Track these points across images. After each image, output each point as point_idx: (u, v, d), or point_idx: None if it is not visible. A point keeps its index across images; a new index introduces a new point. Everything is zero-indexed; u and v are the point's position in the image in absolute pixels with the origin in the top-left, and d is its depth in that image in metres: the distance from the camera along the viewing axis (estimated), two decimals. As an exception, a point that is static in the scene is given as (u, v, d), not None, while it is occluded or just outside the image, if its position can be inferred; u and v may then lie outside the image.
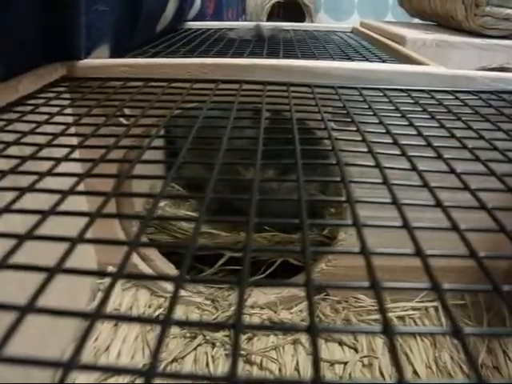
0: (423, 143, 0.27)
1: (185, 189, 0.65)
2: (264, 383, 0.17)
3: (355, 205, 0.19)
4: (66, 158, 0.24)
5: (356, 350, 0.41)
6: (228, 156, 0.24)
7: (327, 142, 0.26)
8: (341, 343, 0.42)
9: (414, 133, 0.28)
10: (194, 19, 0.89)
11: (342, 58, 0.54)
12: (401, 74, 0.39)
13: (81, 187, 0.21)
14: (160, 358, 0.33)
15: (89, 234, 0.17)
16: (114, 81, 0.38)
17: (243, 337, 0.41)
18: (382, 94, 0.36)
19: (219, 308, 0.45)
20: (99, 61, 0.41)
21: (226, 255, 0.49)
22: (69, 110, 0.32)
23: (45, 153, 0.24)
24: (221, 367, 0.39)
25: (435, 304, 0.46)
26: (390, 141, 0.26)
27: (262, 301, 0.46)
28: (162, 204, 0.58)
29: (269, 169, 0.50)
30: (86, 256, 0.44)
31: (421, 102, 0.34)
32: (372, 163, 0.23)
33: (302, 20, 1.99)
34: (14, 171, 0.22)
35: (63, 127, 0.28)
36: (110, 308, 0.44)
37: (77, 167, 0.34)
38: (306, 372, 0.39)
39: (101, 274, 0.29)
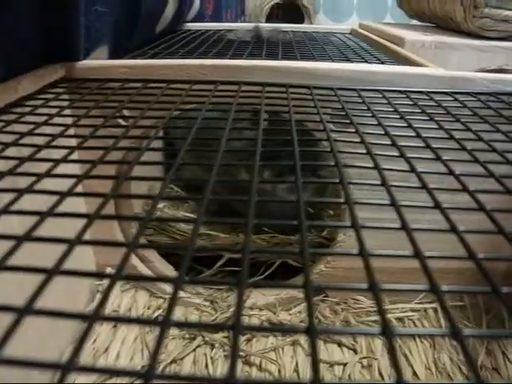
0: (422, 145, 0.27)
1: (183, 190, 0.65)
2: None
3: (354, 206, 0.19)
4: (65, 160, 0.24)
5: (355, 351, 0.41)
6: (226, 157, 0.24)
7: (326, 144, 0.26)
8: (340, 344, 0.42)
9: (413, 134, 0.28)
10: (193, 20, 0.89)
11: (340, 59, 0.54)
12: (400, 76, 0.39)
13: (79, 188, 0.21)
14: (159, 360, 0.32)
15: (87, 236, 0.17)
16: (112, 82, 0.38)
17: (242, 338, 0.41)
18: (380, 96, 0.36)
19: (218, 309, 0.45)
20: (98, 62, 0.41)
21: (224, 256, 0.49)
22: (67, 111, 0.32)
23: (43, 154, 0.24)
24: (220, 368, 0.39)
25: (434, 305, 0.46)
26: (389, 142, 0.26)
27: (261, 302, 0.46)
28: (160, 205, 0.58)
29: (264, 170, 0.50)
30: (84, 257, 0.44)
31: (420, 103, 0.34)
32: (371, 165, 0.23)
33: (301, 21, 1.99)
34: (12, 172, 0.22)
35: (62, 128, 0.28)
36: (108, 309, 0.44)
37: (75, 168, 0.34)
38: (306, 373, 0.39)
39: (99, 275, 0.29)
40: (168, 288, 0.46)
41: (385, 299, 0.43)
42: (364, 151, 0.25)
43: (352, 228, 0.18)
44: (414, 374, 0.39)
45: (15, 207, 0.19)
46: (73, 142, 0.28)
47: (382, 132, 0.28)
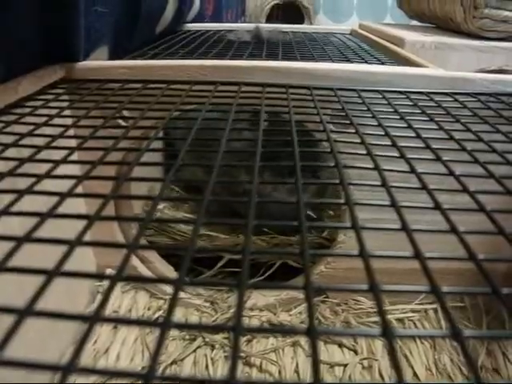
0: (422, 145, 0.27)
1: (183, 191, 0.65)
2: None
3: (354, 207, 0.19)
4: (65, 160, 0.24)
5: (356, 352, 0.41)
6: (226, 158, 0.24)
7: (326, 144, 0.26)
8: (340, 345, 0.42)
9: (413, 135, 0.28)
10: (193, 21, 0.89)
11: (340, 60, 0.54)
12: (400, 76, 0.39)
13: (79, 189, 0.21)
14: (159, 361, 0.32)
15: (87, 237, 0.17)
16: (112, 83, 0.38)
17: (243, 339, 0.41)
18: (380, 96, 0.36)
19: (218, 310, 0.45)
20: (98, 62, 0.41)
21: (224, 257, 0.49)
22: (67, 112, 0.32)
23: (43, 155, 0.24)
24: (220, 369, 0.39)
25: (434, 306, 0.46)
26: (389, 143, 0.26)
27: (262, 303, 0.46)
28: (160, 206, 0.58)
29: (264, 172, 0.50)
30: (84, 258, 0.44)
31: (420, 104, 0.34)
32: (371, 165, 0.23)
33: (301, 22, 2.00)
34: (12, 173, 0.22)
35: (62, 129, 0.28)
36: (109, 310, 0.44)
37: (75, 169, 0.34)
38: (306, 374, 0.39)
39: (100, 276, 0.29)
40: (168, 289, 0.46)
41: (385, 300, 0.43)
42: (364, 152, 0.25)
43: (352, 229, 0.18)
44: (415, 374, 0.39)
45: (15, 208, 0.19)
46: (73, 142, 0.28)
47: (382, 133, 0.28)
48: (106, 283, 0.45)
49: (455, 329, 0.13)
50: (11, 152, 0.25)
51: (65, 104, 0.33)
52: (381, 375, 0.39)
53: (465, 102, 0.35)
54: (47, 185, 0.21)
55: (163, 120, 0.30)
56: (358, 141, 0.27)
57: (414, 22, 1.07)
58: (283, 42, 0.67)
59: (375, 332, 0.13)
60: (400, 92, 0.37)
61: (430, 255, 0.16)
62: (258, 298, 0.46)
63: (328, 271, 0.45)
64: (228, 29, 0.83)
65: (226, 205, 0.54)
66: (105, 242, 0.18)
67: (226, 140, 0.25)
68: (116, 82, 0.38)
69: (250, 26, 0.82)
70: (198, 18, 0.93)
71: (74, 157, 0.25)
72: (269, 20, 1.94)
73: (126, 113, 0.33)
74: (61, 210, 0.19)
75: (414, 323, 0.45)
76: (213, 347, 0.41)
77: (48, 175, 0.22)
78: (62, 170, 0.23)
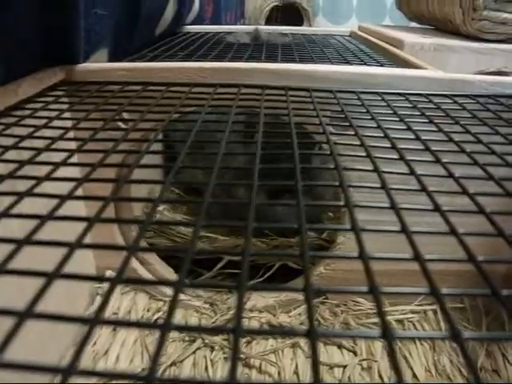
0: (421, 147, 0.27)
1: (183, 192, 0.65)
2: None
3: (354, 209, 0.19)
4: (65, 163, 0.24)
5: (355, 354, 0.41)
6: (226, 161, 0.24)
7: (326, 147, 0.26)
8: (340, 346, 0.42)
9: (412, 137, 0.28)
10: (193, 23, 0.89)
11: (340, 61, 0.54)
12: (399, 78, 0.39)
13: (79, 192, 0.21)
14: (159, 362, 0.32)
15: (87, 239, 0.17)
16: (112, 85, 0.38)
17: (242, 340, 0.41)
18: (380, 98, 0.36)
19: (218, 312, 0.45)
20: (98, 65, 0.41)
21: (224, 259, 0.49)
22: (67, 114, 0.32)
23: (43, 157, 0.24)
24: (220, 371, 0.39)
25: (434, 307, 0.46)
26: (389, 145, 0.26)
27: (261, 304, 0.46)
28: (160, 208, 0.58)
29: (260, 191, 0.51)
30: (84, 260, 0.44)
31: (419, 106, 0.34)
32: (370, 167, 0.23)
33: (300, 24, 2.00)
34: (12, 176, 0.22)
35: (62, 131, 0.28)
36: (108, 312, 0.44)
37: (75, 172, 0.34)
38: (305, 375, 0.39)
39: (100, 279, 0.29)
40: (168, 290, 0.46)
41: (384, 301, 0.43)
42: (363, 154, 0.25)
43: (352, 231, 0.18)
44: (414, 376, 0.39)
45: (15, 210, 0.19)
46: (72, 145, 0.28)
47: (382, 135, 0.28)
48: (105, 285, 0.45)
49: (455, 330, 0.13)
50: (11, 154, 0.25)
51: (64, 106, 0.33)
52: (380, 376, 0.39)
53: (464, 103, 0.35)
54: (47, 187, 0.21)
55: (163, 122, 0.30)
56: (358, 143, 0.27)
57: (413, 24, 1.07)
58: (282, 44, 0.67)
59: (375, 334, 0.13)
60: (399, 94, 0.37)
61: (429, 257, 0.16)
62: (257, 300, 0.46)
63: (327, 273, 0.45)
64: (227, 31, 0.83)
65: (224, 207, 0.54)
66: (105, 244, 0.18)
67: (225, 142, 0.26)
68: (116, 84, 0.38)
69: (250, 28, 0.82)
70: (198, 20, 0.93)
71: (74, 159, 0.25)
72: (268, 22, 1.94)
73: (125, 115, 0.33)
74: (61, 212, 0.19)
75: (414, 324, 0.45)
76: (212, 349, 0.41)
77: (48, 177, 0.22)
78: (62, 172, 0.23)
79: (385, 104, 0.35)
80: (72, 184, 0.21)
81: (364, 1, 2.16)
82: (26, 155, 0.24)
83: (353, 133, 0.28)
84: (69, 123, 0.30)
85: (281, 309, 0.46)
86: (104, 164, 0.24)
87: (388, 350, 0.12)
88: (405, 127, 0.30)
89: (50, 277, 0.15)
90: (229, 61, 0.50)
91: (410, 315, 0.46)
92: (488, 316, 0.45)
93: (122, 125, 0.33)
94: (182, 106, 0.33)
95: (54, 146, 0.26)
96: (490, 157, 0.26)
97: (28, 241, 0.17)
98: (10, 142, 0.26)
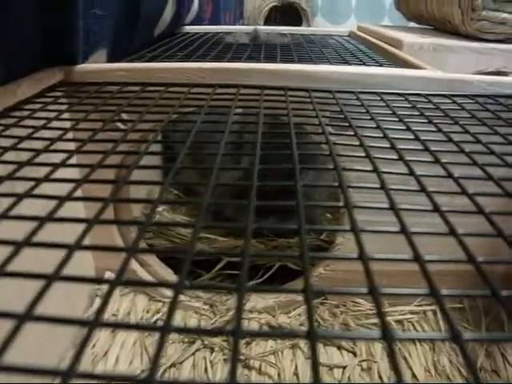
0: (420, 147, 0.27)
1: (183, 193, 0.65)
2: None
3: (353, 210, 0.19)
4: (64, 164, 0.24)
5: (355, 354, 0.41)
6: (225, 161, 0.24)
7: (325, 147, 0.26)
8: (339, 347, 0.42)
9: (412, 137, 0.28)
10: (192, 23, 0.89)
11: (339, 62, 0.54)
12: (398, 78, 0.39)
13: (78, 193, 0.21)
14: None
15: (86, 240, 0.17)
16: (111, 85, 0.38)
17: (241, 341, 0.41)
18: (379, 98, 0.36)
19: (217, 313, 0.45)
20: (96, 65, 0.41)
21: (223, 259, 0.49)
22: (66, 115, 0.32)
23: (42, 158, 0.24)
24: (219, 372, 0.39)
25: (433, 308, 0.46)
26: (388, 145, 0.26)
27: (260, 305, 0.46)
28: (159, 209, 0.58)
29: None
30: (83, 261, 0.44)
31: (418, 106, 0.34)
32: (369, 168, 0.23)
33: (299, 24, 2.00)
34: (11, 177, 0.22)
35: (60, 132, 0.28)
36: (107, 314, 0.44)
37: (74, 173, 0.34)
38: (305, 376, 0.39)
39: (99, 281, 0.29)
40: (167, 292, 0.46)
41: (384, 302, 0.43)
42: (363, 154, 0.25)
43: (351, 231, 0.18)
44: (414, 376, 0.39)
45: (14, 212, 0.19)
46: (71, 145, 0.28)
47: (381, 135, 0.28)
48: (105, 286, 0.45)
49: (455, 331, 0.13)
50: (10, 155, 0.25)
51: (63, 107, 0.33)
52: (380, 377, 0.39)
53: (463, 103, 0.35)
54: (46, 188, 0.21)
55: (162, 123, 0.30)
56: (357, 143, 0.27)
57: (412, 24, 1.07)
58: (281, 45, 0.67)
59: (375, 335, 0.13)
60: (398, 94, 0.37)
61: (429, 258, 0.16)
62: (256, 301, 0.46)
63: (327, 273, 0.45)
64: (226, 31, 0.83)
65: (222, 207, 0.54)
66: (104, 246, 0.18)
67: (224, 143, 0.26)
68: (114, 85, 0.38)
69: (249, 28, 0.82)
70: (197, 21, 0.93)
71: (73, 160, 0.25)
72: (267, 22, 1.94)
73: (124, 116, 0.33)
74: (60, 213, 0.19)
75: (413, 325, 0.45)
76: (212, 350, 0.41)
77: (47, 179, 0.22)
78: (61, 173, 0.23)
79: (384, 104, 0.35)
80: (71, 185, 0.21)
81: (363, 1, 2.16)
82: (24, 156, 0.24)
83: (352, 133, 0.28)
84: (68, 124, 0.30)
85: (280, 310, 0.46)
86: (103, 165, 0.24)
87: (388, 351, 0.12)
88: (404, 127, 0.30)
89: (50, 279, 0.15)
90: (228, 61, 0.50)
91: (409, 316, 0.46)
92: (487, 316, 0.45)
93: (121, 125, 0.33)
94: (181, 106, 0.33)
95: (53, 147, 0.26)
96: (489, 157, 0.26)
97: (27, 242, 0.17)
98: (8, 142, 0.26)
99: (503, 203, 0.21)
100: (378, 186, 0.21)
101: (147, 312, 0.45)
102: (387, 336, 0.13)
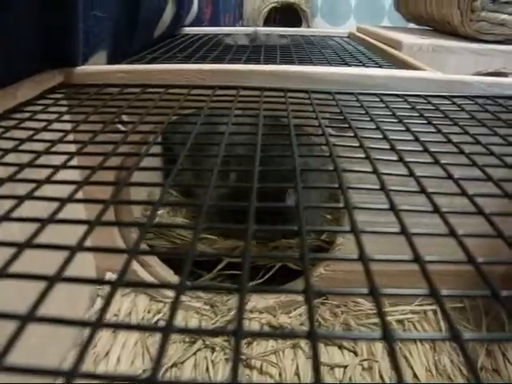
0: (420, 148, 0.27)
1: (183, 195, 0.65)
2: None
3: (353, 211, 0.19)
4: (64, 166, 0.24)
5: (356, 354, 0.41)
6: (225, 162, 0.24)
7: (325, 148, 0.26)
8: (340, 347, 0.42)
9: (411, 138, 0.28)
10: (192, 25, 0.89)
11: (338, 63, 0.54)
12: (397, 80, 0.39)
13: (79, 195, 0.21)
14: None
15: (88, 242, 0.17)
16: (111, 87, 0.38)
17: (243, 341, 0.41)
18: (378, 100, 0.36)
19: (218, 313, 0.45)
20: (96, 67, 0.41)
21: (224, 260, 0.49)
22: (66, 117, 0.32)
23: (43, 160, 0.24)
24: (221, 372, 0.39)
25: (434, 307, 0.46)
26: (388, 146, 0.27)
27: (261, 305, 0.46)
28: (160, 211, 0.58)
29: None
30: (84, 262, 0.44)
31: (417, 107, 0.34)
32: (369, 169, 0.23)
33: (299, 25, 2.00)
34: (11, 179, 0.22)
35: (61, 134, 0.28)
36: (109, 314, 0.43)
37: (75, 175, 0.34)
38: (306, 376, 0.39)
39: (101, 282, 0.29)
40: (168, 292, 0.46)
41: (385, 301, 0.43)
42: (363, 155, 0.25)
43: (351, 232, 0.18)
44: (415, 376, 0.39)
45: (15, 214, 0.19)
46: (72, 147, 0.28)
47: (381, 136, 0.28)
48: (106, 287, 0.45)
49: (455, 331, 0.13)
50: (11, 157, 0.25)
51: (64, 109, 0.33)
52: (381, 376, 0.39)
53: (462, 104, 0.36)
54: (47, 190, 0.21)
55: (162, 124, 0.30)
56: (357, 144, 0.27)
57: (412, 25, 1.07)
58: (281, 46, 0.67)
59: (376, 335, 0.13)
60: (398, 95, 0.37)
61: (429, 259, 0.16)
62: (257, 301, 0.46)
63: (327, 273, 0.45)
64: (226, 32, 0.83)
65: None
66: (105, 247, 0.18)
67: (224, 144, 0.26)
68: (115, 87, 0.38)
69: (248, 29, 0.82)
70: (196, 22, 0.93)
71: (74, 162, 0.25)
72: (266, 23, 1.94)
73: (124, 117, 0.33)
74: (61, 215, 0.19)
75: (414, 324, 0.45)
76: (213, 350, 0.41)
77: (48, 181, 0.22)
78: (62, 175, 0.23)
79: (383, 105, 0.35)
80: (72, 187, 0.21)
81: (362, 2, 2.17)
82: (25, 158, 0.24)
83: (352, 134, 0.28)
84: (68, 126, 0.30)
85: (281, 310, 0.46)
86: (104, 167, 0.24)
87: (389, 351, 0.12)
88: (403, 128, 0.30)
89: (51, 280, 0.15)
90: (227, 63, 0.50)
91: (410, 315, 0.46)
92: (488, 316, 0.45)
93: (121, 127, 0.33)
94: (181, 108, 0.33)
95: (53, 149, 0.26)
96: (489, 158, 0.26)
97: (29, 244, 0.17)
98: (9, 145, 0.26)
99: (503, 204, 0.21)
100: (377, 187, 0.21)
101: (148, 312, 0.45)
102: (388, 336, 0.13)
